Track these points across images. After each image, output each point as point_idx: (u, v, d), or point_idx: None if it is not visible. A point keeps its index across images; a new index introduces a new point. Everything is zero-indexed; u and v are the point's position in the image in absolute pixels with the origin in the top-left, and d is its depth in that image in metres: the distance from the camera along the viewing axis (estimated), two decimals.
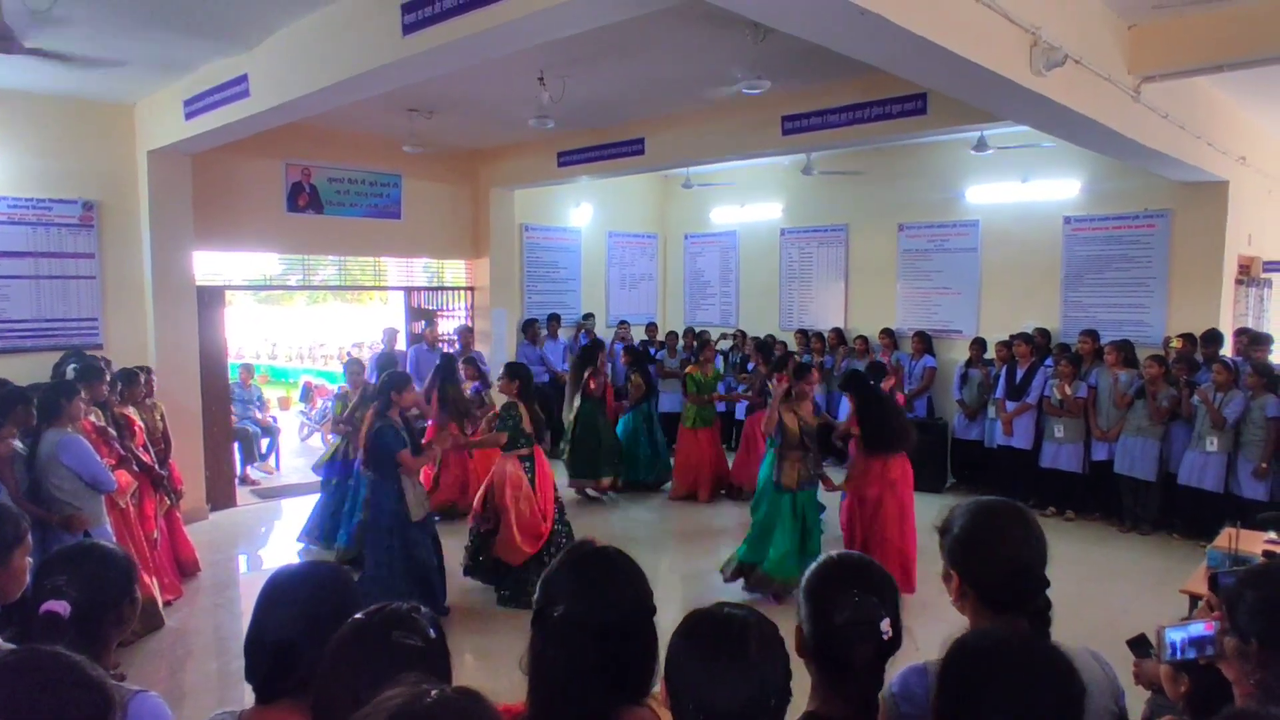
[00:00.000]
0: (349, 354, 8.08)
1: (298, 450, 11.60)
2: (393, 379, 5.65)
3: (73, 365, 6.05)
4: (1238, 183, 8.16)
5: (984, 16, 4.26)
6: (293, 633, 1.62)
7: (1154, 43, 5.75)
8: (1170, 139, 6.60)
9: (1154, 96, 6.02)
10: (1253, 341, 7.45)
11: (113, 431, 5.52)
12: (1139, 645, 2.55)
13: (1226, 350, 7.73)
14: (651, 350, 10.95)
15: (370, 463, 5.55)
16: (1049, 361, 8.32)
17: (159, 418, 6.51)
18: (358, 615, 1.48)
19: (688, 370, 9.15)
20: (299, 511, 8.24)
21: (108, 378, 5.72)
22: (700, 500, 8.84)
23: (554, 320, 11.02)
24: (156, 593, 5.61)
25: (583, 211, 11.85)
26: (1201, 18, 5.50)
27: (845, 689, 1.62)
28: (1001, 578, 1.78)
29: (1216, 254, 8.16)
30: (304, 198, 9.25)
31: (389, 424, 5.44)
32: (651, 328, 11.72)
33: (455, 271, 11.00)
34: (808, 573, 1.72)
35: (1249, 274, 8.89)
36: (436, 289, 10.92)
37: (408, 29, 4.70)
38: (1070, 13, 5.12)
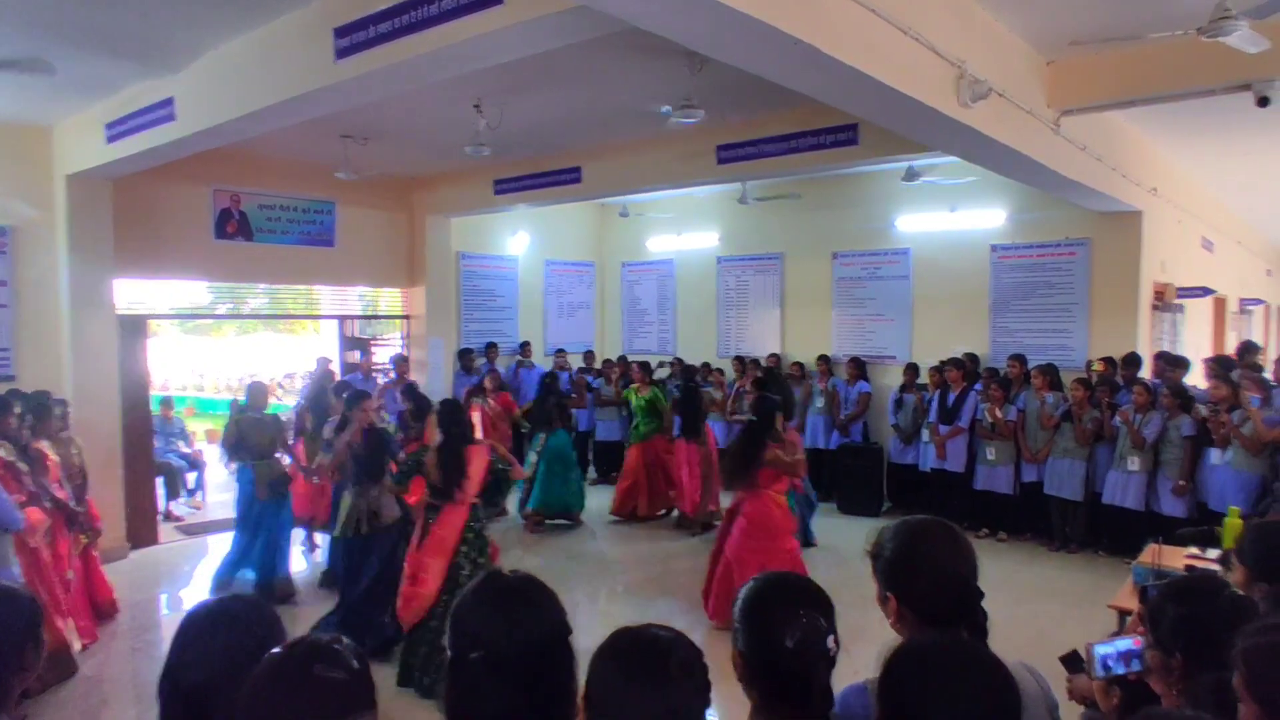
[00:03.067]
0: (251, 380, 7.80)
1: (225, 484, 11.18)
2: (360, 395, 5.83)
3: None
4: (1151, 213, 8.52)
5: (912, 49, 4.39)
6: (209, 673, 1.53)
7: (1071, 78, 6.00)
8: (1088, 170, 6.87)
9: (1072, 129, 6.27)
10: (1170, 364, 7.75)
11: (23, 466, 5.25)
12: (1071, 661, 2.59)
13: (1145, 373, 8.03)
14: (589, 378, 10.92)
15: (367, 470, 5.58)
16: (979, 386, 8.53)
17: (75, 452, 6.22)
18: (276, 649, 1.41)
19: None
20: (226, 548, 7.94)
21: (17, 410, 5.44)
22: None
23: (491, 349, 10.91)
24: (71, 637, 5.31)
25: (520, 240, 11.81)
26: (1114, 55, 5.76)
27: (796, 713, 1.60)
28: (936, 592, 1.79)
29: (1133, 281, 8.50)
30: (233, 224, 9.02)
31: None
32: (589, 356, 11.69)
33: (391, 300, 10.84)
34: (742, 596, 1.68)
35: (1163, 300, 9.26)
36: (371, 318, 10.74)
37: (340, 53, 4.64)
38: (993, 48, 5.31)
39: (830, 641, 1.57)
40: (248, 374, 20.37)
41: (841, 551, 7.59)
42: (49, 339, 7.60)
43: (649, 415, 9.17)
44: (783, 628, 1.57)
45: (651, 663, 1.44)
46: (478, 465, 5.01)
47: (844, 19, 3.89)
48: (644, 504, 9.01)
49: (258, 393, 7.15)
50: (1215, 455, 6.83)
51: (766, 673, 1.60)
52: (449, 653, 1.52)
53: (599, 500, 9.48)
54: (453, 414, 5.23)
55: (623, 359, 11.37)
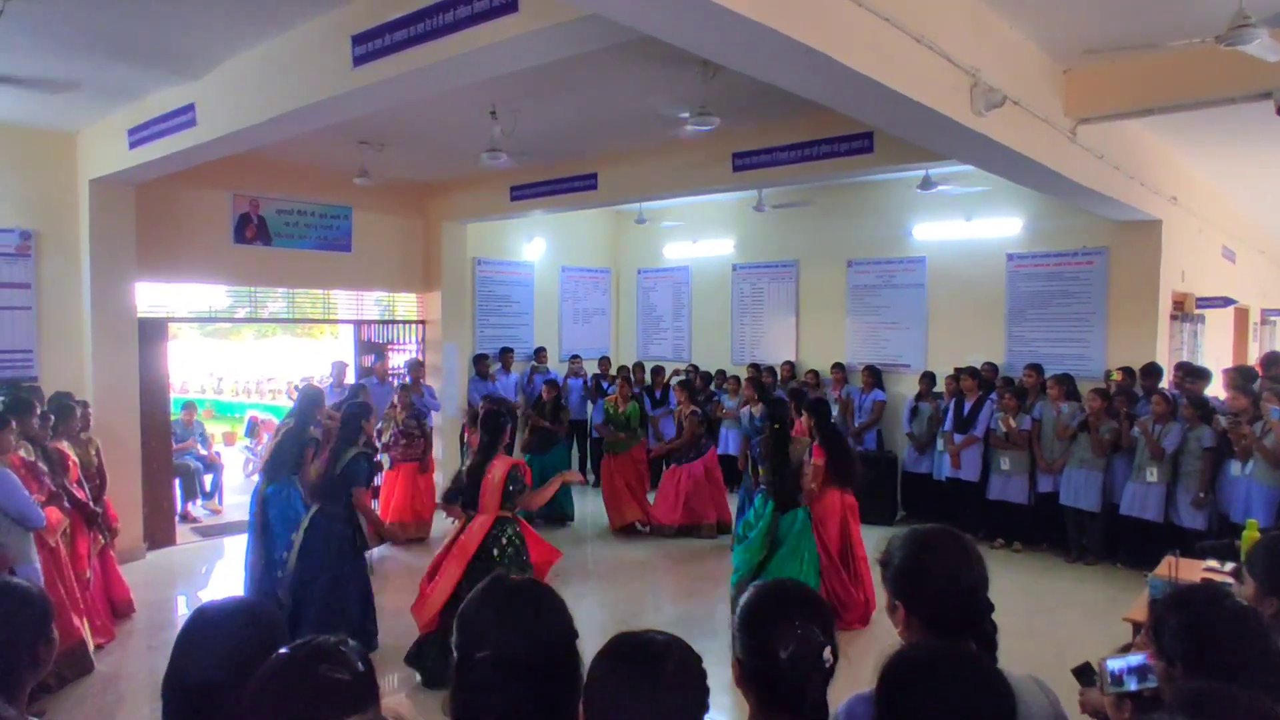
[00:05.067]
0: (301, 382, 7.62)
1: (242, 487, 11.28)
2: (360, 409, 5.59)
3: (0, 399, 5.84)
4: (1170, 222, 8.45)
5: (926, 57, 4.38)
6: (214, 672, 1.55)
7: (1088, 86, 5.96)
8: (1105, 179, 6.83)
9: (1089, 138, 6.24)
10: (1190, 375, 7.66)
11: (43, 466, 5.31)
12: (1083, 674, 2.57)
13: (1164, 383, 7.95)
14: (604, 385, 10.92)
15: (327, 489, 5.37)
16: (995, 395, 8.47)
17: (94, 452, 6.30)
18: (282, 650, 1.42)
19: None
20: (242, 550, 7.99)
21: (39, 411, 5.52)
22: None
23: (506, 354, 10.94)
24: (87, 635, 5.37)
25: (535, 246, 11.84)
26: (1131, 64, 5.73)
27: None
28: (944, 602, 1.79)
29: (1152, 290, 8.43)
30: (252, 229, 9.11)
31: (366, 453, 5.41)
32: (604, 362, 11.71)
33: (406, 305, 10.90)
34: (742, 603, 1.69)
35: (1183, 310, 9.18)
36: (387, 322, 10.80)
37: (358, 61, 4.69)
38: (1008, 56, 5.29)
39: (826, 653, 1.57)
40: (265, 378, 20.59)
41: None
42: (71, 341, 7.70)
43: (627, 429, 9.18)
44: (778, 638, 1.57)
45: (648, 667, 1.45)
46: (492, 476, 4.92)
47: (856, 27, 3.89)
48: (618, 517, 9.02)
49: (310, 399, 6.63)
50: (1236, 467, 6.76)
51: (761, 680, 1.61)
52: (455, 653, 1.54)
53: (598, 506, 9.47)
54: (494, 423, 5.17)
55: (638, 365, 11.37)
